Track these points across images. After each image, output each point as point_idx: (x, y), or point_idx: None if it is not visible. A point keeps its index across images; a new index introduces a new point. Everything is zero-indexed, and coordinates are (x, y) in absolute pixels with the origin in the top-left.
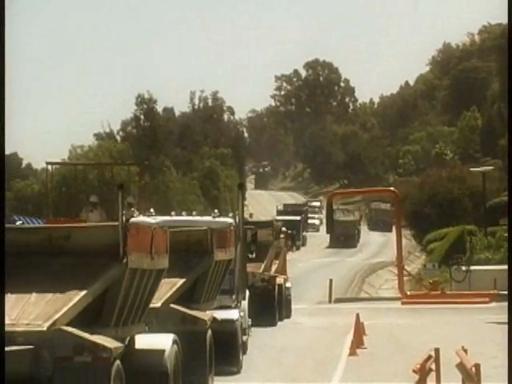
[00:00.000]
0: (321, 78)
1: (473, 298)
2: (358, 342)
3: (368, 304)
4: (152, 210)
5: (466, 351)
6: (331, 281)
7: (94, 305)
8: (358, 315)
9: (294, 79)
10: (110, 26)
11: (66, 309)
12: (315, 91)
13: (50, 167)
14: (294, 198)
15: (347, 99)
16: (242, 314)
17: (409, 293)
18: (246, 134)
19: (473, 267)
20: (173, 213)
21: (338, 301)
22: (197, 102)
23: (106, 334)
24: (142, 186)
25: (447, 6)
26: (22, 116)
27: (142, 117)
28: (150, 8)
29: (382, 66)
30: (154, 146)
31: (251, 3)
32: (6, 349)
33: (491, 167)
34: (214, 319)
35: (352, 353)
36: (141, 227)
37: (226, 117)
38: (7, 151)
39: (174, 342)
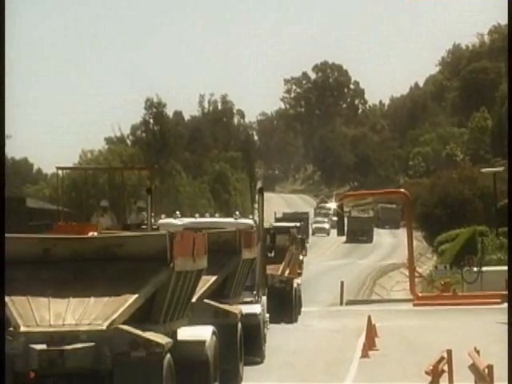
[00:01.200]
0: (330, 80)
1: (484, 298)
2: (369, 344)
3: (380, 306)
4: (178, 213)
5: (478, 352)
6: (342, 283)
7: (145, 305)
8: (369, 317)
9: (304, 82)
10: (119, 30)
11: (122, 310)
12: (325, 93)
13: (60, 172)
14: (304, 200)
15: (357, 101)
16: (262, 308)
17: (420, 294)
18: (255, 137)
19: (484, 268)
20: (197, 215)
21: (350, 303)
22: (206, 105)
23: (156, 330)
24: (152, 190)
25: (456, 7)
26: (32, 121)
27: (151, 121)
28: (160, 12)
29: (392, 67)
30: (163, 150)
31: (260, 6)
32: (71, 346)
33: (502, 168)
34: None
35: (364, 355)
36: (185, 234)
37: (235, 120)
38: (18, 156)
39: (213, 333)
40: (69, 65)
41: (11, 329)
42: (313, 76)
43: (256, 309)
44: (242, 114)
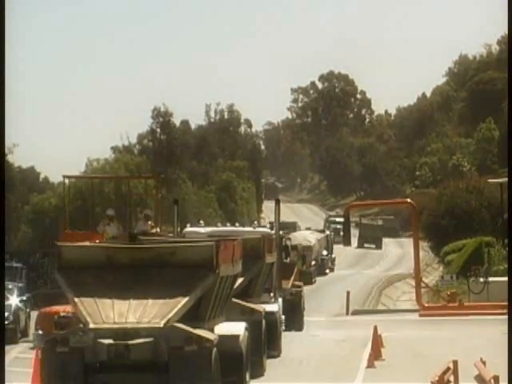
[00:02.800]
0: (336, 90)
1: (491, 309)
2: (375, 354)
3: (386, 316)
4: (202, 222)
5: (484, 363)
6: (348, 293)
7: (194, 305)
8: (375, 327)
9: (311, 91)
10: (126, 39)
11: (175, 310)
12: (331, 103)
13: (66, 181)
14: (311, 209)
15: (363, 111)
16: (279, 308)
17: (426, 304)
18: (262, 147)
19: (491, 279)
20: (219, 224)
21: (356, 313)
22: (213, 114)
23: (202, 327)
24: (158, 199)
25: (463, 17)
26: (39, 130)
27: (158, 130)
28: (166, 21)
29: (399, 77)
30: (170, 159)
31: (267, 17)
32: (134, 341)
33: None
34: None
35: (370, 365)
36: (227, 243)
37: (242, 129)
38: (25, 165)
39: (246, 328)
40: (76, 74)
41: (81, 325)
42: (319, 86)
43: (274, 308)
44: (248, 124)
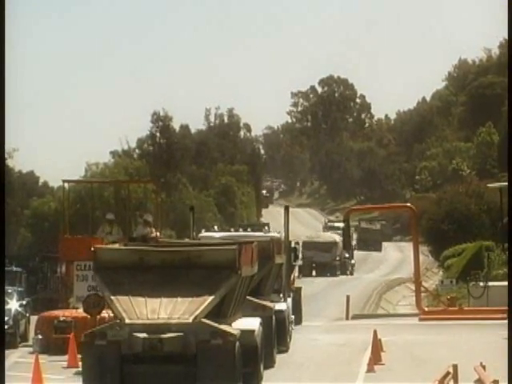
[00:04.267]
0: (336, 95)
1: (491, 313)
2: (375, 359)
3: (385, 320)
4: (216, 227)
5: (484, 367)
6: (348, 297)
7: (218, 303)
8: (375, 332)
9: (311, 95)
10: (125, 42)
11: (202, 307)
12: (331, 107)
13: (66, 185)
14: (311, 214)
15: (363, 115)
16: (287, 307)
17: (426, 309)
18: (262, 151)
19: (491, 283)
20: (232, 229)
21: (356, 317)
22: (212, 118)
23: (224, 323)
24: (158, 203)
25: (463, 21)
26: (38, 135)
27: (157, 134)
28: (165, 25)
29: (398, 81)
30: (170, 164)
31: (267, 20)
32: (166, 335)
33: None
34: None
35: (370, 369)
36: (247, 246)
37: (242, 133)
38: (24, 170)
39: (260, 323)
40: (76, 78)
41: (117, 321)
42: (319, 90)
43: (282, 306)
44: (248, 128)
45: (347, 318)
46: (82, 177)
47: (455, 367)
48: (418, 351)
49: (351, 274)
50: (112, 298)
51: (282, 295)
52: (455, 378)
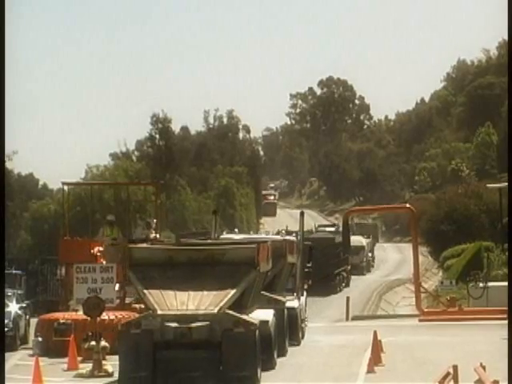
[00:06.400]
0: (335, 96)
1: (490, 314)
2: (375, 360)
3: (385, 321)
4: (236, 230)
5: (484, 368)
6: (348, 298)
7: (239, 296)
8: (375, 332)
9: (310, 97)
10: (124, 45)
11: (226, 299)
12: (330, 109)
13: (65, 187)
14: (310, 215)
15: (362, 116)
16: (300, 304)
17: (426, 310)
18: (261, 153)
19: (490, 284)
20: (251, 232)
21: (356, 318)
22: (211, 120)
23: (243, 313)
24: (158, 205)
25: (462, 22)
26: (38, 137)
27: (157, 136)
28: (165, 27)
29: (397, 82)
30: (169, 166)
31: (266, 22)
32: (195, 324)
33: (507, 183)
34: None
35: (370, 370)
36: (265, 245)
37: (241, 135)
38: (24, 172)
39: (274, 315)
40: (75, 80)
41: (150, 311)
42: (318, 91)
43: (294, 304)
44: (247, 129)
45: (347, 319)
46: (81, 179)
47: (455, 368)
48: (418, 352)
49: (368, 271)
50: (145, 291)
51: (294, 294)
52: (455, 378)
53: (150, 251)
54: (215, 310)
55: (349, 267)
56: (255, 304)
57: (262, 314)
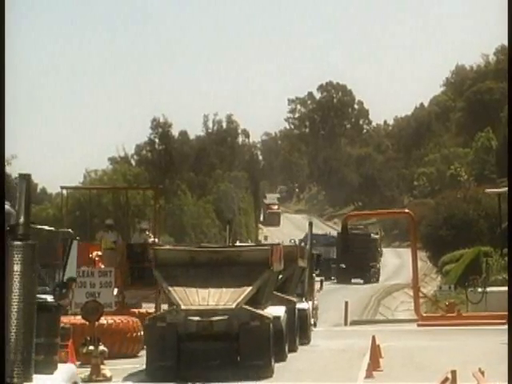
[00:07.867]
0: (334, 101)
1: (489, 319)
2: (374, 365)
3: (384, 326)
4: (250, 240)
5: (483, 373)
6: (347, 303)
7: (254, 293)
8: (374, 337)
9: (309, 102)
10: (124, 49)
11: (243, 296)
12: (329, 114)
13: (64, 191)
14: (309, 220)
15: (361, 121)
16: (309, 307)
17: (425, 315)
18: (260, 157)
19: (489, 289)
20: (262, 240)
21: (354, 323)
22: (211, 125)
23: (258, 309)
24: (157, 209)
25: (461, 27)
26: (36, 141)
27: (156, 140)
28: (164, 31)
29: (396, 87)
30: (168, 170)
31: (265, 27)
32: (215, 318)
33: (506, 188)
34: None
35: (368, 375)
36: (277, 247)
37: (240, 140)
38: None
39: (285, 312)
40: (74, 84)
41: (175, 307)
42: (317, 96)
43: (304, 306)
44: (246, 134)
45: (346, 324)
46: (80, 183)
47: (454, 373)
48: (417, 357)
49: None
50: (170, 288)
51: (304, 298)
52: (454, 383)
53: (174, 252)
54: (233, 306)
55: (379, 265)
56: (269, 302)
57: (275, 311)
